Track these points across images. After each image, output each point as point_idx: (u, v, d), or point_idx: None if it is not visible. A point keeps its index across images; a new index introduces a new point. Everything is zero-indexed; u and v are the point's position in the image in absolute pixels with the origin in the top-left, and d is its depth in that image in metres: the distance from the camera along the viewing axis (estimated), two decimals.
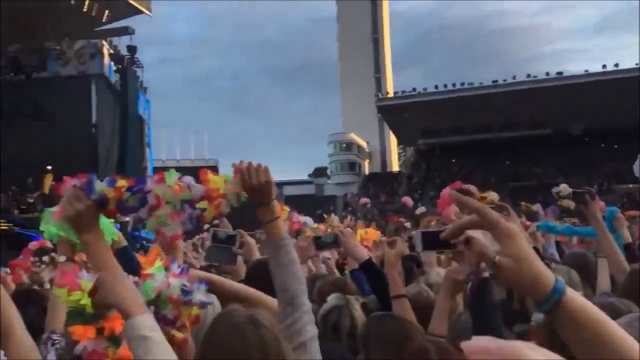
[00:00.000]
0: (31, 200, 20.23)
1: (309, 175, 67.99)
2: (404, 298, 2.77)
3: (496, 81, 46.36)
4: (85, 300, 1.50)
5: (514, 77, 46.04)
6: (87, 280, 1.55)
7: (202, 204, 1.93)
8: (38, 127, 22.67)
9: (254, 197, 1.95)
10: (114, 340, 1.51)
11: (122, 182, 1.81)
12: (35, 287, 4.02)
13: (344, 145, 64.50)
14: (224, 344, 1.52)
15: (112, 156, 23.90)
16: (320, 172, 67.43)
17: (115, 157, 23.67)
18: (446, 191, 4.12)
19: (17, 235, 17.04)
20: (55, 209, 1.85)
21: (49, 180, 13.07)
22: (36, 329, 2.33)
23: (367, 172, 63.93)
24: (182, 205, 1.92)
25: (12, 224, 17.82)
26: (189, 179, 1.94)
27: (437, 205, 4.28)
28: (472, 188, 5.76)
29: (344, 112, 75.03)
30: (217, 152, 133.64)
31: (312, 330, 1.92)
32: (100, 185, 1.77)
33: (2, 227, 17.36)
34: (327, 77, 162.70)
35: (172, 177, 1.91)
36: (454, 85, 47.45)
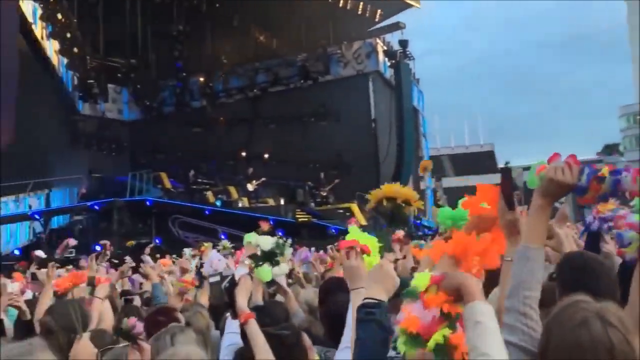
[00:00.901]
0: (324, 194, 22.39)
1: (598, 154, 62.20)
2: None
3: None
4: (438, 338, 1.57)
5: None
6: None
7: None
8: (326, 126, 24.98)
9: None
10: (451, 323, 1.58)
11: (605, 170, 1.84)
12: None
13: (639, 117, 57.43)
14: (570, 336, 1.48)
15: (391, 148, 25.09)
16: (611, 149, 61.21)
17: (394, 148, 24.80)
18: None
19: (316, 226, 19.09)
20: (538, 163, 1.94)
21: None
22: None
23: None
24: None
25: (310, 216, 19.98)
26: None
27: None
28: None
29: (637, 81, 66.60)
30: (492, 137, 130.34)
31: None
32: (584, 176, 1.84)
33: (302, 219, 19.58)
34: (612, 44, 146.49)
35: None
36: None
